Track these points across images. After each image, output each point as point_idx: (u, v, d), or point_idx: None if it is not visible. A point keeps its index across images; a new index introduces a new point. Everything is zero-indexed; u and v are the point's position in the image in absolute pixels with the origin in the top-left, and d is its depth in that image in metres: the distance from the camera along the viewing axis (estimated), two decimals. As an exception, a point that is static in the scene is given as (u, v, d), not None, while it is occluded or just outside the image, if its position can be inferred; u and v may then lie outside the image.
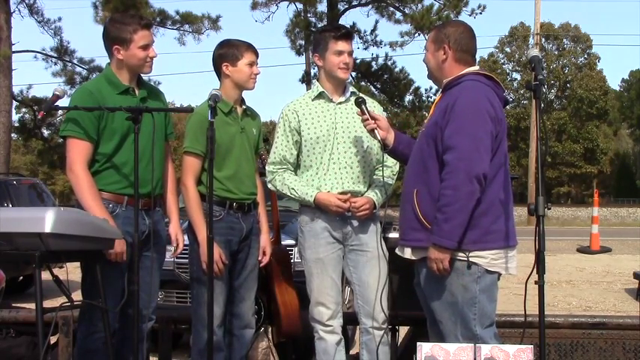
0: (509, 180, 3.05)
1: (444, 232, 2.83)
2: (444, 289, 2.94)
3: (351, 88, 3.62)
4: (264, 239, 3.75)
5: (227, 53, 3.60)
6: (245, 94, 3.70)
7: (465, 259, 2.88)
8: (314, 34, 3.79)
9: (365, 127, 3.34)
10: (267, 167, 3.60)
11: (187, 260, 3.75)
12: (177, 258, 4.84)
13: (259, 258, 3.72)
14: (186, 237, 3.62)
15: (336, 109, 3.54)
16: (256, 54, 3.66)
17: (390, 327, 3.67)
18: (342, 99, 3.57)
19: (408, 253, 3.06)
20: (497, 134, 2.91)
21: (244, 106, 3.71)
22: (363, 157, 3.52)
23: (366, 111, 3.32)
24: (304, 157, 3.53)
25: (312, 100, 3.57)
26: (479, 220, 2.87)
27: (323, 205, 3.41)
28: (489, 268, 2.92)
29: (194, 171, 3.54)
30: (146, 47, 3.29)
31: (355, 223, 3.47)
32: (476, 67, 3.09)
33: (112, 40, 3.29)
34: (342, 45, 3.49)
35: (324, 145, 3.48)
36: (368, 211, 3.44)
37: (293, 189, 3.47)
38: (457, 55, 3.05)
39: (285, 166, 3.54)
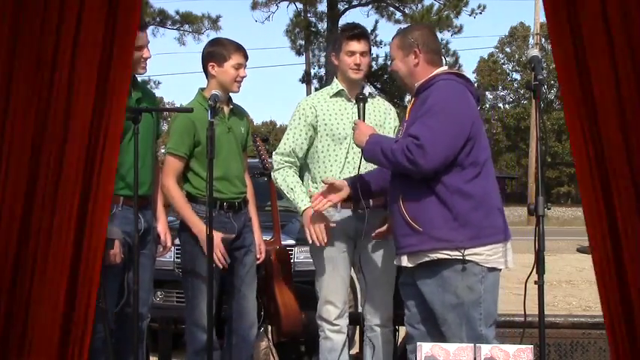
0: (494, 174, 3.06)
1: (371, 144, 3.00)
2: (447, 291, 2.92)
3: (368, 89, 3.60)
4: (258, 237, 3.75)
5: (215, 52, 3.54)
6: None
7: (461, 257, 2.87)
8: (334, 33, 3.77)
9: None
10: (274, 155, 3.56)
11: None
12: (177, 258, 4.84)
13: (257, 256, 3.72)
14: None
15: (353, 108, 3.49)
16: (245, 56, 3.58)
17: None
18: None
19: (404, 261, 3.01)
20: (471, 130, 2.90)
21: (231, 106, 3.67)
22: None
23: (362, 114, 3.21)
24: (319, 154, 3.50)
25: (331, 97, 3.56)
26: (470, 216, 2.87)
27: (303, 221, 3.37)
28: (488, 265, 2.91)
29: (175, 172, 3.52)
30: (140, 49, 3.25)
31: (368, 221, 3.41)
32: (445, 68, 3.11)
33: None
34: (353, 45, 3.46)
35: (341, 143, 3.47)
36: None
37: (292, 190, 3.45)
38: (428, 57, 3.06)
39: (292, 159, 3.53)
